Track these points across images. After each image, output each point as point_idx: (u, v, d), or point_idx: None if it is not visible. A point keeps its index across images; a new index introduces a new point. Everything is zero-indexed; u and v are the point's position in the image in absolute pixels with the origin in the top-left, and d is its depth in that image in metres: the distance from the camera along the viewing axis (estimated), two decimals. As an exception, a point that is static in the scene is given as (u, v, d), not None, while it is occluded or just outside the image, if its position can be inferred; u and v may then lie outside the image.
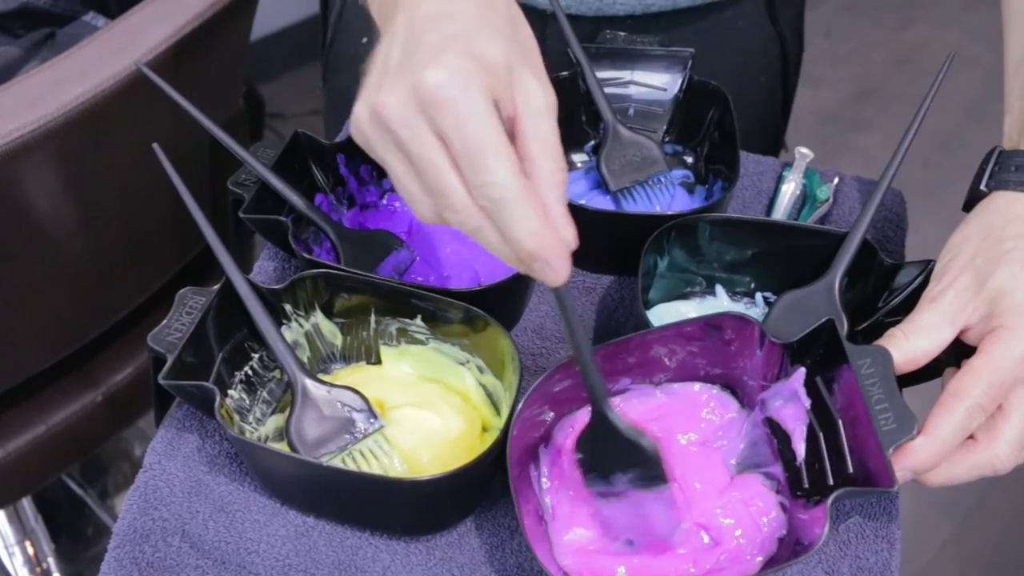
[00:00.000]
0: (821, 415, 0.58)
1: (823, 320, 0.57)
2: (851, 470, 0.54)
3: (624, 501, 0.58)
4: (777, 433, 0.60)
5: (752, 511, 0.59)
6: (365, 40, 0.93)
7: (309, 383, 0.61)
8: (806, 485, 0.57)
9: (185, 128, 0.88)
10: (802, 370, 0.58)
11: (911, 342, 0.56)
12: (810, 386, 0.58)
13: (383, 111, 0.46)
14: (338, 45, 0.96)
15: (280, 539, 0.59)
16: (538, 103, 0.48)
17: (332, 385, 0.61)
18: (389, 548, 0.59)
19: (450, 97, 0.45)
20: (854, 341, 0.66)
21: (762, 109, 0.95)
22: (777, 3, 0.90)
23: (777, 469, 0.59)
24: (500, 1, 0.50)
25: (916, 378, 0.60)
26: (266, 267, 0.74)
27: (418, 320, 0.64)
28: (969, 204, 0.63)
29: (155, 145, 0.64)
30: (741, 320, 0.59)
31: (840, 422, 0.56)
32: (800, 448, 0.58)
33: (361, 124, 0.48)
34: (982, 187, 0.62)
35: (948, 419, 0.53)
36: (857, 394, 0.54)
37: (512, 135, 0.48)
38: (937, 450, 0.53)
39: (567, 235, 0.48)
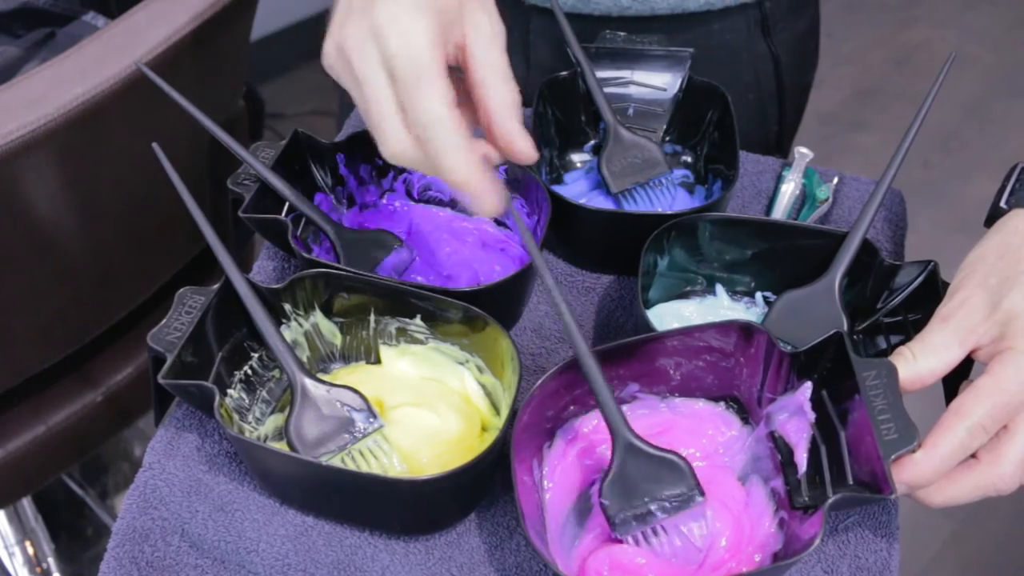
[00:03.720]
0: (824, 429, 0.57)
1: (831, 333, 0.57)
2: (851, 482, 0.54)
3: (659, 539, 0.57)
4: (780, 447, 0.60)
5: (756, 528, 0.58)
6: None
7: (308, 382, 0.61)
8: (806, 498, 0.57)
9: (185, 128, 0.89)
10: (809, 384, 0.58)
11: (919, 361, 0.56)
12: (816, 400, 0.58)
13: (344, 41, 0.54)
14: None
15: (279, 538, 0.59)
16: (486, 33, 0.54)
17: (331, 384, 0.61)
18: (388, 548, 0.59)
19: (397, 30, 0.52)
20: (854, 341, 0.66)
21: (748, 126, 0.93)
22: (771, 22, 0.88)
23: (778, 483, 0.59)
24: None
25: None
26: (266, 267, 0.74)
27: (417, 320, 0.64)
28: (990, 220, 0.63)
29: (155, 145, 0.64)
30: (751, 329, 0.59)
31: (843, 434, 0.56)
32: (802, 461, 0.58)
33: (328, 58, 0.56)
34: (1002, 204, 0.62)
35: (947, 437, 0.53)
36: (861, 406, 0.54)
37: (464, 68, 0.54)
38: (935, 467, 0.53)
39: (526, 146, 0.55)
